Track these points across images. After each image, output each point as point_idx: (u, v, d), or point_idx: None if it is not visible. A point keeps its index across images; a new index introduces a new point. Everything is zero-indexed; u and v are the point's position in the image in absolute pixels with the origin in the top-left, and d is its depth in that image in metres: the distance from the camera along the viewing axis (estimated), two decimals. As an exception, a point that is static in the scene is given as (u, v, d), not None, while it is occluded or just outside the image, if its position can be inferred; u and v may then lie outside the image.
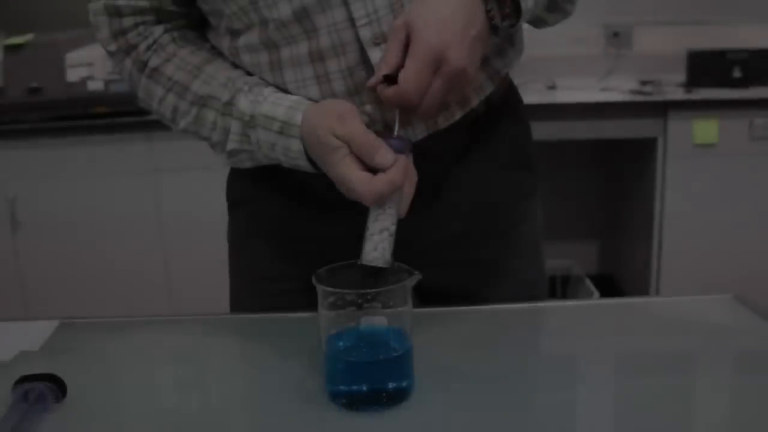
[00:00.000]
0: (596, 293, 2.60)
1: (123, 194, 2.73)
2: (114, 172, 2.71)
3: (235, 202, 1.02)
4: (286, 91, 0.84)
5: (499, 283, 1.00)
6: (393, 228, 0.73)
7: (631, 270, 3.13)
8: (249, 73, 0.87)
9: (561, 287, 2.86)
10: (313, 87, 0.83)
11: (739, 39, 2.98)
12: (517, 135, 1.01)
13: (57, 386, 0.73)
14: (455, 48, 0.71)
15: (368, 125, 0.84)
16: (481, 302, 0.97)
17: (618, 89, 2.86)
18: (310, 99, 0.83)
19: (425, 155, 0.89)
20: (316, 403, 0.73)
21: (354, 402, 0.72)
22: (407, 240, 0.79)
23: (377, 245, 0.72)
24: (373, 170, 0.72)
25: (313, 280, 0.71)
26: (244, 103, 0.82)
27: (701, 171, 2.70)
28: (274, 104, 0.80)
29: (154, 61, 0.88)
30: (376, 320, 0.71)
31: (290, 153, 0.80)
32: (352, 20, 0.79)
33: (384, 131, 0.76)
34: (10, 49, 2.68)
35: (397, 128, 0.76)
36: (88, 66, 2.66)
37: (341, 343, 0.73)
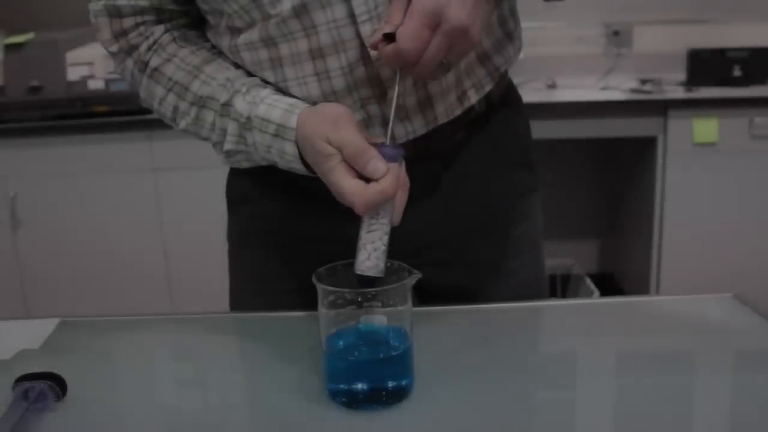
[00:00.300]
0: (596, 292, 2.60)
1: (123, 193, 2.73)
2: (114, 171, 2.71)
3: (234, 202, 1.02)
4: (286, 88, 0.84)
5: (499, 282, 1.00)
6: (386, 237, 0.73)
7: (631, 269, 3.13)
8: (249, 73, 0.87)
9: (561, 286, 2.86)
10: (314, 84, 0.83)
11: (739, 38, 2.98)
12: (517, 134, 1.01)
13: (57, 385, 0.74)
14: (455, 6, 0.69)
15: (367, 122, 0.84)
16: (481, 301, 0.97)
17: (618, 88, 2.86)
18: (310, 96, 0.83)
19: (425, 153, 0.89)
20: (316, 401, 0.73)
21: (354, 401, 0.72)
22: (407, 239, 0.79)
23: (370, 254, 0.72)
24: (367, 178, 0.72)
25: (313, 279, 0.71)
26: (241, 105, 0.82)
27: (701, 170, 2.70)
28: (270, 106, 0.80)
29: (154, 61, 0.88)
30: (376, 319, 0.71)
31: (285, 156, 0.80)
32: (353, 17, 0.78)
33: (378, 137, 0.75)
34: (11, 47, 2.68)
35: (389, 134, 0.75)
36: (89, 65, 2.66)
37: (341, 342, 0.73)
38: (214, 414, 0.76)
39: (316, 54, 0.81)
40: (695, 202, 2.73)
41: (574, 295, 2.75)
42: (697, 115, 2.65)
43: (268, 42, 0.82)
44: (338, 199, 0.73)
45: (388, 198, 0.71)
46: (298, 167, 0.80)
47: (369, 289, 0.70)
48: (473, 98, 0.90)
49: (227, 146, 0.85)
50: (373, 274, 0.72)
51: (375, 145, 0.73)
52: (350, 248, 0.74)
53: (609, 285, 3.24)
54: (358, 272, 0.72)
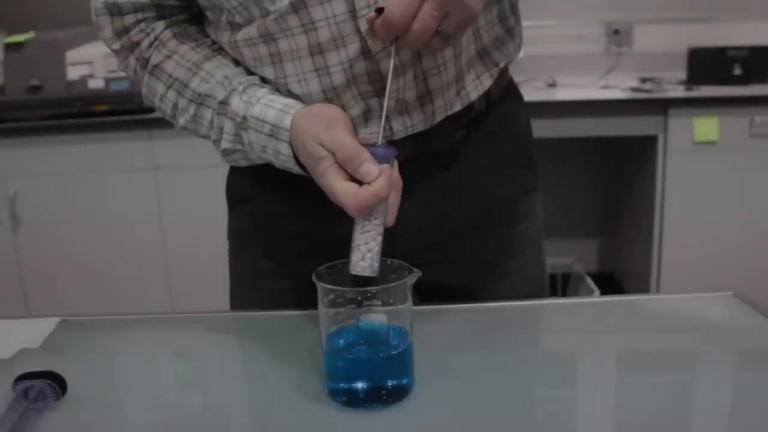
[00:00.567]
0: (597, 291, 2.60)
1: (123, 192, 2.73)
2: (114, 170, 2.71)
3: (234, 201, 1.02)
4: (286, 84, 0.84)
5: (500, 280, 1.00)
6: (380, 238, 0.73)
7: (631, 267, 3.13)
8: (248, 71, 0.87)
9: (562, 285, 2.86)
10: (314, 80, 0.82)
11: (739, 36, 2.98)
12: (517, 133, 1.01)
13: (57, 384, 0.73)
14: None
15: (367, 115, 0.84)
16: (482, 300, 0.97)
17: (618, 87, 2.86)
18: (310, 92, 0.83)
19: (425, 153, 0.89)
20: (316, 400, 0.73)
21: (354, 399, 0.72)
22: (407, 238, 0.79)
23: (364, 255, 0.72)
24: (360, 180, 0.72)
25: (313, 278, 0.71)
26: (237, 104, 0.82)
27: (702, 169, 2.70)
28: (265, 107, 0.80)
29: (155, 58, 0.88)
30: (376, 318, 0.71)
31: (280, 156, 0.80)
32: (353, 11, 0.78)
33: (371, 140, 0.75)
34: (11, 47, 2.68)
35: (381, 134, 0.75)
36: (89, 64, 2.66)
37: (341, 341, 0.73)
38: (213, 413, 0.75)
39: (315, 50, 0.81)
40: (695, 201, 2.72)
41: (575, 294, 2.75)
42: (697, 113, 2.65)
43: (267, 38, 0.82)
44: (332, 200, 0.73)
45: (382, 200, 0.71)
46: (293, 167, 0.80)
47: (369, 288, 0.70)
48: (473, 94, 0.90)
49: (224, 145, 0.85)
50: (368, 274, 0.72)
51: (366, 145, 0.72)
52: (350, 247, 0.73)
53: (609, 284, 3.24)
54: (353, 273, 0.72)
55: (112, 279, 2.77)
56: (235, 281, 1.05)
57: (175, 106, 0.88)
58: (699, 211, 2.73)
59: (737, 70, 2.78)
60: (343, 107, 0.82)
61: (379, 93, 0.83)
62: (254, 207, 0.99)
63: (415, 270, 0.71)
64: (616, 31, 3.12)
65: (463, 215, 0.95)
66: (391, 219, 0.74)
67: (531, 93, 2.76)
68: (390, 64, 0.74)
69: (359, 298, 0.70)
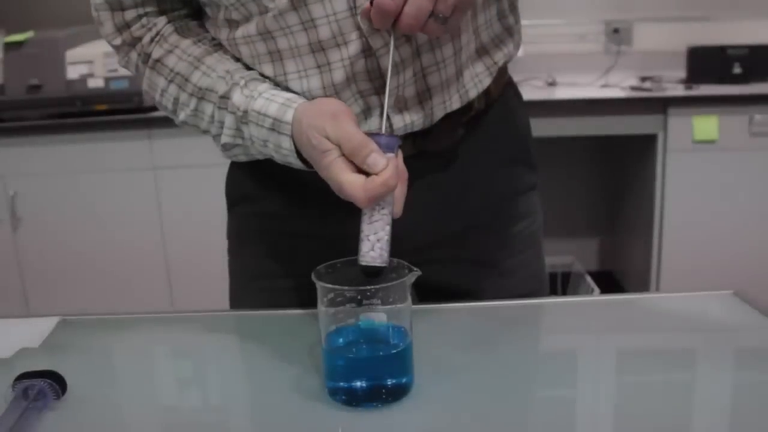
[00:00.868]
0: (596, 290, 2.60)
1: (123, 191, 2.73)
2: (114, 169, 2.72)
3: (234, 200, 1.02)
4: (285, 81, 0.84)
5: (500, 279, 1.00)
6: (388, 228, 0.73)
7: (631, 266, 3.13)
8: (249, 66, 0.86)
9: (561, 284, 2.86)
10: (315, 77, 0.82)
11: (739, 35, 2.98)
12: (517, 131, 1.01)
13: (57, 383, 0.73)
14: None
15: (366, 113, 0.84)
16: (482, 299, 0.97)
17: (618, 86, 2.86)
18: (310, 89, 0.82)
19: (425, 152, 0.89)
20: (315, 399, 0.73)
21: (354, 398, 0.72)
22: (407, 236, 0.79)
23: (374, 245, 0.72)
24: (365, 171, 0.72)
25: (313, 277, 0.71)
26: (238, 98, 0.82)
27: (701, 167, 2.70)
28: (267, 101, 0.80)
29: (157, 53, 0.88)
30: (376, 317, 0.71)
31: (282, 150, 0.80)
32: (353, 9, 0.78)
33: (374, 130, 0.75)
34: (11, 46, 2.68)
35: (384, 123, 0.75)
36: (88, 63, 2.66)
37: (341, 340, 0.73)
38: (213, 412, 0.76)
39: (316, 47, 0.81)
40: (695, 200, 2.73)
41: (575, 293, 2.75)
42: (697, 112, 2.65)
43: (266, 36, 0.82)
44: (337, 193, 0.73)
45: (391, 189, 0.71)
46: (294, 162, 0.80)
47: (369, 287, 0.70)
48: (472, 93, 0.90)
49: (224, 139, 0.85)
50: (378, 264, 0.72)
51: (371, 134, 0.72)
52: (350, 246, 0.73)
53: (609, 282, 3.24)
54: (363, 263, 0.72)
55: (112, 278, 2.77)
56: (234, 280, 1.05)
57: (176, 100, 0.88)
58: (699, 210, 2.73)
59: (737, 69, 2.79)
60: None
61: (379, 91, 0.83)
62: (254, 206, 0.99)
63: (415, 269, 0.71)
64: (616, 30, 3.12)
65: (462, 214, 0.95)
66: (398, 209, 0.74)
67: (530, 92, 2.76)
68: (389, 60, 0.74)
69: (359, 297, 0.70)
